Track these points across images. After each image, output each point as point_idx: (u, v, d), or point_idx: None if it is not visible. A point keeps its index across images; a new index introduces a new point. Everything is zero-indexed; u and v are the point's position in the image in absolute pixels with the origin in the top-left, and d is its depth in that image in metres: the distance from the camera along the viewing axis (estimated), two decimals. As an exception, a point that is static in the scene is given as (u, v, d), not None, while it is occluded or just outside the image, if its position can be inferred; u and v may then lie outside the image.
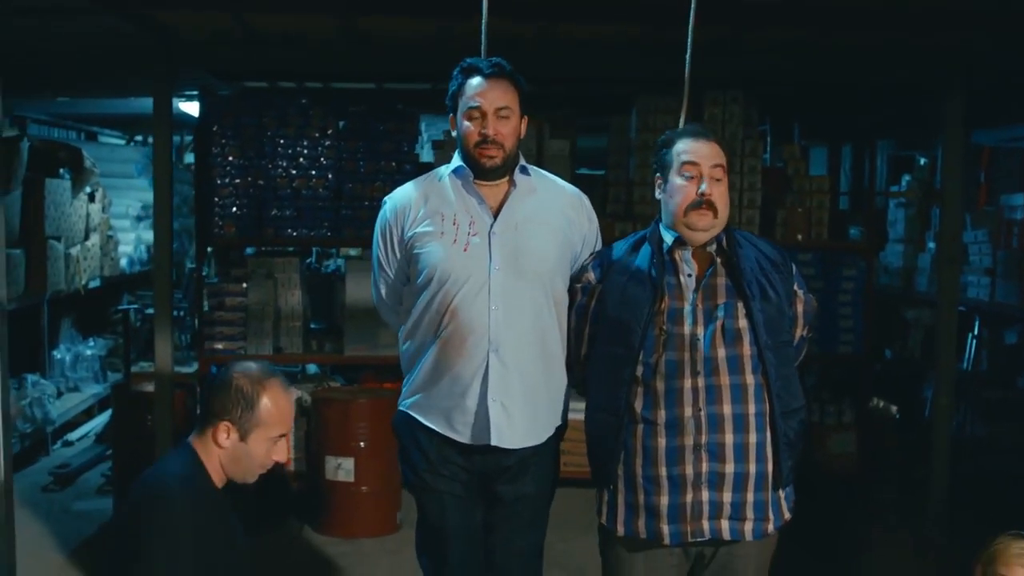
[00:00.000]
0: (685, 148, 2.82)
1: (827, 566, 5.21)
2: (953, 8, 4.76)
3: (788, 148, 6.69)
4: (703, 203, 2.76)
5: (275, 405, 2.49)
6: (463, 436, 3.00)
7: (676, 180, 2.81)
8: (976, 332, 7.39)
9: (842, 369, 6.95)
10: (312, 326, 6.40)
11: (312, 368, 7.82)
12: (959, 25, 5.08)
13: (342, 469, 5.58)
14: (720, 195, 2.78)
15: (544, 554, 5.07)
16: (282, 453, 2.55)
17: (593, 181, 6.34)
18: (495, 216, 2.99)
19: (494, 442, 2.97)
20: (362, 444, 5.58)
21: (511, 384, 2.96)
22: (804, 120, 8.57)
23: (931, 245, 7.87)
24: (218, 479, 2.53)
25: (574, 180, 5.77)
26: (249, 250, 6.63)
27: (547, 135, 6.16)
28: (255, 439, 2.49)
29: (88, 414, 8.03)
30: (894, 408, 6.95)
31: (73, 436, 7.64)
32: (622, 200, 6.14)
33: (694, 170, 2.78)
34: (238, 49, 5.66)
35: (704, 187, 2.76)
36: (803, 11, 4.85)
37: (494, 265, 2.94)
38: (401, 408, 3.17)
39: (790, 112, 8.22)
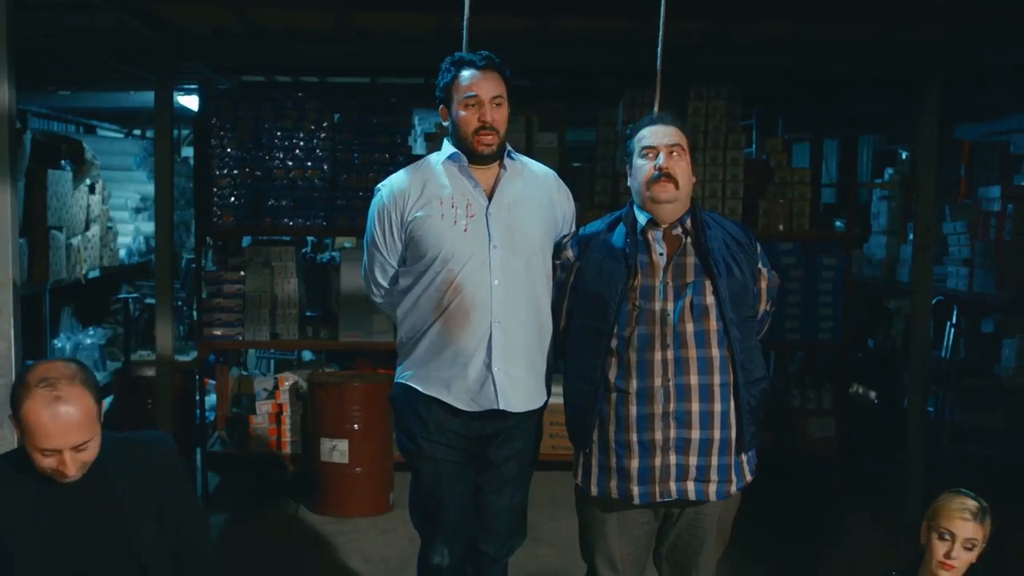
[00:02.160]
0: (644, 134, 3.06)
1: (806, 545, 5.40)
2: (928, 5, 4.94)
3: (771, 141, 6.85)
4: (662, 175, 2.97)
5: (30, 419, 2.29)
6: (464, 403, 3.19)
7: (638, 162, 3.05)
8: (954, 321, 7.56)
9: (824, 356, 7.13)
10: (308, 314, 6.54)
11: (307, 355, 8.01)
12: (934, 21, 5.26)
13: (337, 451, 5.75)
14: (680, 169, 3.00)
15: (533, 533, 5.30)
16: (66, 466, 2.33)
17: (581, 172, 6.51)
18: (489, 198, 3.18)
19: (502, 407, 3.17)
20: (356, 427, 5.76)
21: (513, 352, 3.16)
22: (790, 115, 8.75)
23: (912, 237, 8.03)
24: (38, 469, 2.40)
25: (566, 173, 5.96)
26: (246, 241, 6.79)
27: (536, 128, 6.34)
28: (27, 443, 2.33)
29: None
30: (872, 394, 7.14)
31: (74, 422, 7.79)
32: (609, 191, 6.31)
33: (652, 151, 3.01)
34: (238, 44, 5.81)
35: (661, 160, 2.98)
36: (784, 6, 5.03)
37: (492, 243, 3.13)
38: (400, 381, 3.32)
39: (776, 106, 8.40)
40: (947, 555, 2.76)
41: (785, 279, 6.38)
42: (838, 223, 8.55)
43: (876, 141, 10.68)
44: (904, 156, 9.11)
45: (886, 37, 5.76)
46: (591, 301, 3.04)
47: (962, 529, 2.76)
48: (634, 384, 2.94)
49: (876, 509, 5.92)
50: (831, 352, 6.75)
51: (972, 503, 2.79)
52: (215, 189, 6.10)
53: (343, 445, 5.74)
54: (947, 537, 2.77)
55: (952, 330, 7.54)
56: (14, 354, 3.38)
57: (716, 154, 6.18)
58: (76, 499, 2.41)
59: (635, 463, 2.95)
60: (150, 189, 9.14)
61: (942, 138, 8.44)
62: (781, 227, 6.31)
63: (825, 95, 7.76)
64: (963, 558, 2.76)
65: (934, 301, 7.55)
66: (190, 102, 7.59)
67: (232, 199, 6.11)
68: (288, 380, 6.39)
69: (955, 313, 7.56)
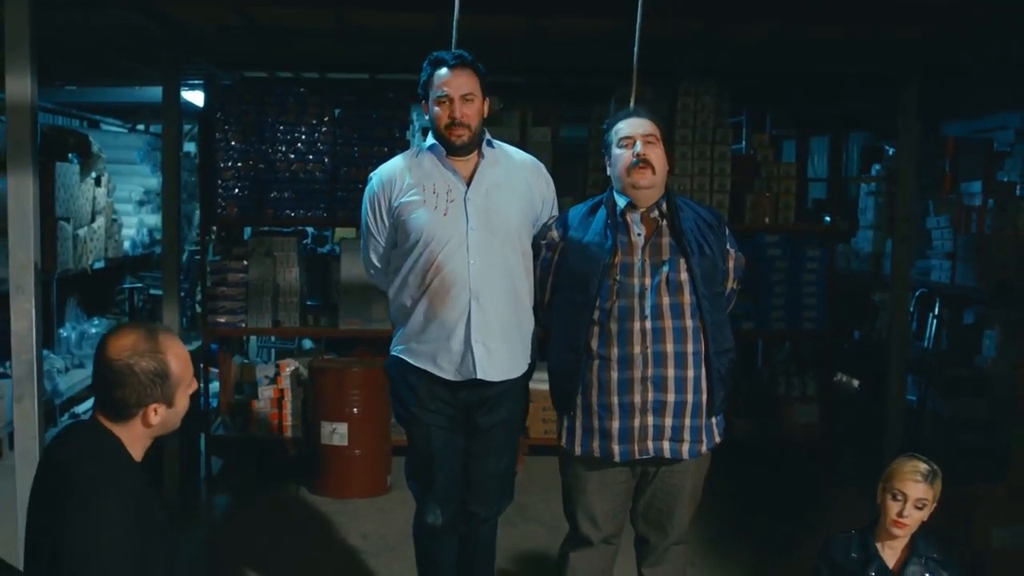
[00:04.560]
0: (621, 126, 3.32)
1: (789, 525, 5.61)
2: (908, 6, 5.14)
3: (758, 137, 7.06)
4: (640, 162, 3.21)
5: (180, 359, 2.36)
6: (448, 374, 3.45)
7: (617, 151, 3.30)
8: (937, 312, 7.76)
9: (809, 346, 7.34)
10: (308, 302, 6.74)
11: (307, 344, 8.20)
12: (914, 21, 5.46)
13: (336, 434, 5.94)
14: (655, 156, 3.25)
15: (526, 512, 5.52)
16: (194, 385, 2.44)
17: (574, 166, 6.71)
18: (468, 184, 3.43)
19: (479, 376, 3.41)
20: (355, 410, 5.94)
21: (490, 326, 3.41)
22: (780, 112, 8.95)
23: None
24: (140, 452, 2.38)
25: (559, 167, 6.17)
26: (247, 233, 6.97)
27: (530, 123, 6.53)
28: (179, 398, 2.37)
29: (93, 389, 8.34)
30: (856, 382, 7.34)
31: (79, 409, 7.97)
32: (600, 184, 6.50)
33: (629, 140, 3.26)
34: (241, 41, 6.00)
35: (639, 148, 3.23)
36: (770, 6, 5.23)
37: (470, 226, 3.38)
38: (393, 353, 3.59)
39: (765, 103, 8.60)
40: (899, 514, 2.97)
41: (771, 270, 6.61)
42: (828, 218, 8.73)
43: (865, 138, 10.88)
44: (891, 152, 9.30)
45: (869, 37, 5.95)
46: (575, 277, 3.29)
47: (913, 490, 2.97)
48: (615, 352, 3.19)
49: (856, 492, 6.11)
50: (815, 341, 6.96)
51: (923, 466, 3.00)
52: (219, 181, 6.30)
53: (343, 428, 5.93)
54: (899, 498, 2.98)
55: (935, 321, 7.75)
56: (34, 333, 3.58)
57: (704, 149, 6.37)
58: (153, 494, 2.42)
59: (616, 424, 3.21)
60: (153, 182, 9.34)
61: (929, 135, 8.66)
62: (767, 220, 6.52)
63: (814, 93, 7.95)
64: (914, 516, 2.97)
65: (917, 293, 7.78)
66: (193, 97, 7.76)
67: (236, 191, 6.31)
68: (289, 366, 6.59)
69: (937, 305, 7.78)
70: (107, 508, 2.18)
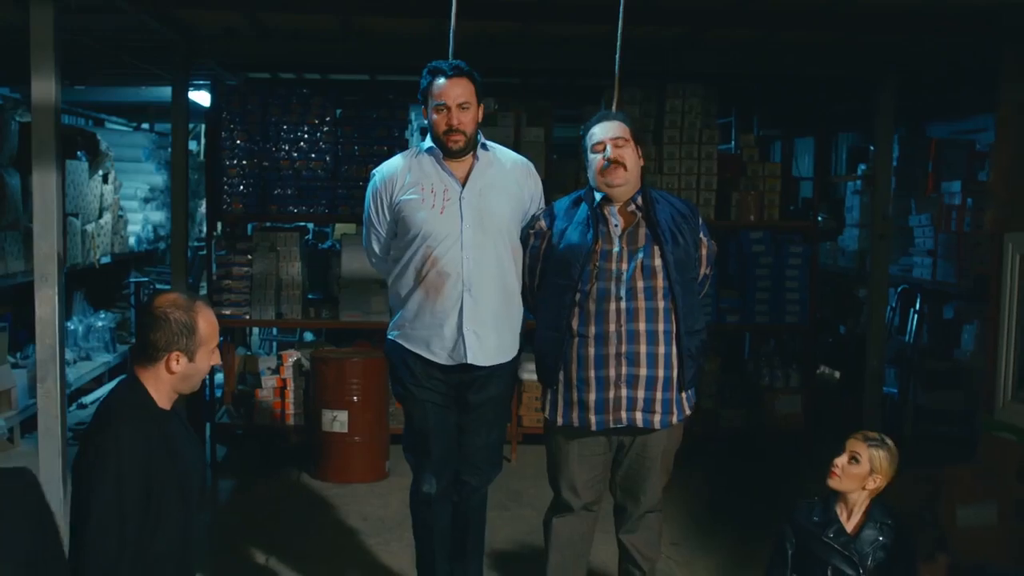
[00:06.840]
0: (594, 132, 3.61)
1: (770, 508, 5.84)
2: (879, 13, 5.37)
3: (744, 137, 7.30)
4: (611, 163, 3.51)
5: (208, 324, 2.69)
6: (441, 358, 3.73)
7: (591, 156, 3.60)
8: (918, 308, 7.99)
9: (793, 339, 7.58)
10: (310, 296, 6.98)
11: (309, 336, 8.43)
12: (886, 29, 5.69)
13: (337, 421, 6.17)
14: (626, 156, 3.53)
15: (518, 497, 5.75)
16: (217, 358, 2.76)
17: (566, 164, 6.94)
18: (463, 185, 3.69)
19: (469, 361, 3.69)
20: (355, 399, 6.18)
21: (481, 316, 3.68)
22: (767, 112, 9.18)
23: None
24: (166, 401, 2.70)
25: (551, 165, 6.40)
26: (249, 230, 7.20)
27: (524, 123, 6.76)
28: (200, 356, 2.68)
29: (99, 381, 8.56)
30: (836, 374, 7.58)
31: (87, 400, 8.21)
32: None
33: (600, 145, 3.56)
34: (248, 44, 6.24)
35: (608, 152, 3.52)
36: (750, 14, 5.46)
37: (465, 224, 3.65)
38: (390, 338, 3.87)
39: (755, 104, 8.83)
40: (833, 463, 3.25)
41: (755, 266, 6.85)
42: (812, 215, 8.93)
43: (852, 138, 11.10)
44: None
45: (846, 42, 6.17)
46: (559, 263, 3.58)
47: (851, 444, 3.26)
48: (592, 329, 3.49)
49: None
50: (796, 333, 7.20)
51: (872, 433, 3.27)
52: (225, 178, 6.53)
53: (343, 416, 6.16)
54: (840, 451, 3.26)
55: (916, 316, 7.98)
56: (57, 318, 3.82)
57: (691, 148, 6.62)
58: (180, 433, 2.77)
59: (592, 396, 3.51)
60: (158, 180, 9.57)
61: (913, 136, 8.89)
62: (752, 217, 6.76)
63: (802, 94, 8.16)
64: (848, 470, 3.23)
65: (899, 289, 8.01)
66: (197, 97, 7.97)
67: (241, 188, 6.54)
68: (292, 356, 6.82)
69: (919, 300, 8.01)
70: (117, 432, 2.54)
